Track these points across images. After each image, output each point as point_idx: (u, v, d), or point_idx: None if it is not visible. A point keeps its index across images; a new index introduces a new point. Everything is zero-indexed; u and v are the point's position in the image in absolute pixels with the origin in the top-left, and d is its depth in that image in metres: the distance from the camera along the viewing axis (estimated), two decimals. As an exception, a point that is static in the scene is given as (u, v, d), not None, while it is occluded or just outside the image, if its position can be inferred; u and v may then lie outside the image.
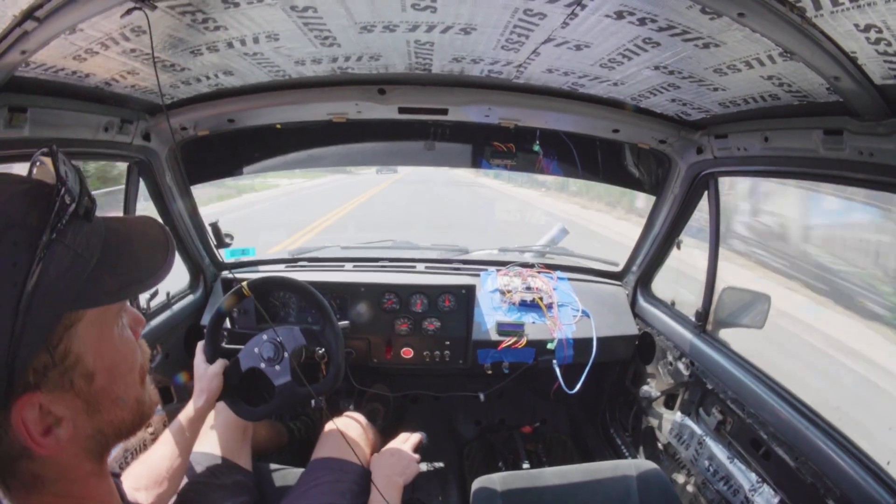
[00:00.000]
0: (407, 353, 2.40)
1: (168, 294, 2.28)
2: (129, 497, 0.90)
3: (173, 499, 1.46)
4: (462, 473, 2.65)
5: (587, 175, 2.46)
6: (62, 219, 0.54)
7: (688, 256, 2.39)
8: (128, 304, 0.66)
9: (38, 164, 0.59)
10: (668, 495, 1.71)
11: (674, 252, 2.41)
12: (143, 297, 2.05)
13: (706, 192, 2.08)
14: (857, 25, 0.90)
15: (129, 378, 0.65)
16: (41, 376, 0.54)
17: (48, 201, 0.54)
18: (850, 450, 1.41)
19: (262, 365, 1.73)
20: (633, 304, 2.59)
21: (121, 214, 1.89)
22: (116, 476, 0.86)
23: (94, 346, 0.58)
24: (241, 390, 1.76)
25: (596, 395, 2.87)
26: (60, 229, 0.54)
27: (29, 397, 0.54)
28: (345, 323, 2.03)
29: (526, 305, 2.47)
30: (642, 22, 1.12)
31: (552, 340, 2.35)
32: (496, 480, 1.70)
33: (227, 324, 2.24)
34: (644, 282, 2.58)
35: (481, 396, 2.68)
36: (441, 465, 1.90)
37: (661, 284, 2.57)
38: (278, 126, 2.18)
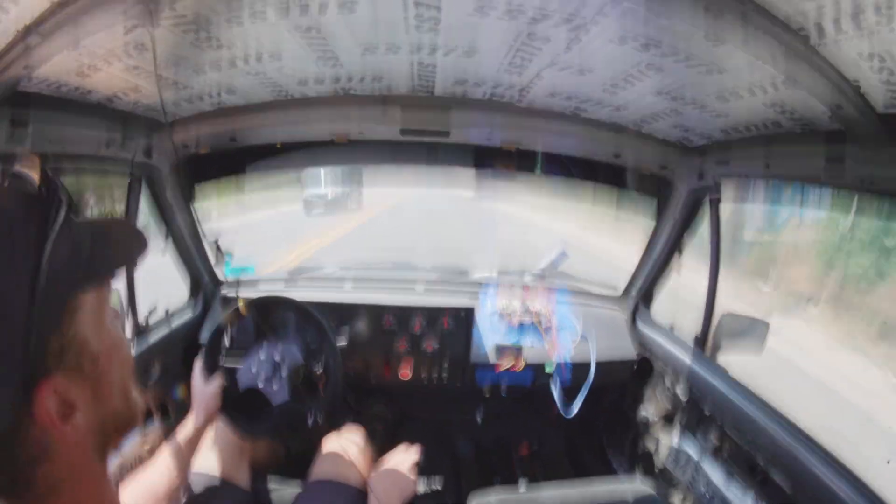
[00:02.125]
0: (405, 373, 2.38)
1: (167, 311, 2.26)
2: None
3: None
4: (458, 494, 2.60)
5: (587, 197, 2.47)
6: (60, 214, 0.59)
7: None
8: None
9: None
10: None
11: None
12: (141, 314, 2.03)
13: (707, 217, 2.08)
14: (860, 54, 0.90)
15: (123, 367, 0.70)
16: (58, 359, 0.59)
17: (44, 201, 0.59)
18: (846, 477, 1.38)
19: (260, 384, 1.71)
20: (632, 327, 2.58)
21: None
22: None
23: (94, 329, 0.63)
24: (240, 409, 1.73)
25: (593, 417, 2.83)
26: (61, 223, 0.59)
27: (49, 381, 0.57)
28: (343, 342, 2.01)
29: (525, 328, 2.45)
30: (645, 47, 1.13)
31: (550, 363, 2.33)
32: (493, 501, 1.68)
33: (226, 342, 2.22)
34: (643, 306, 2.57)
35: (479, 417, 2.65)
36: (438, 485, 1.88)
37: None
38: (279, 145, 2.18)
